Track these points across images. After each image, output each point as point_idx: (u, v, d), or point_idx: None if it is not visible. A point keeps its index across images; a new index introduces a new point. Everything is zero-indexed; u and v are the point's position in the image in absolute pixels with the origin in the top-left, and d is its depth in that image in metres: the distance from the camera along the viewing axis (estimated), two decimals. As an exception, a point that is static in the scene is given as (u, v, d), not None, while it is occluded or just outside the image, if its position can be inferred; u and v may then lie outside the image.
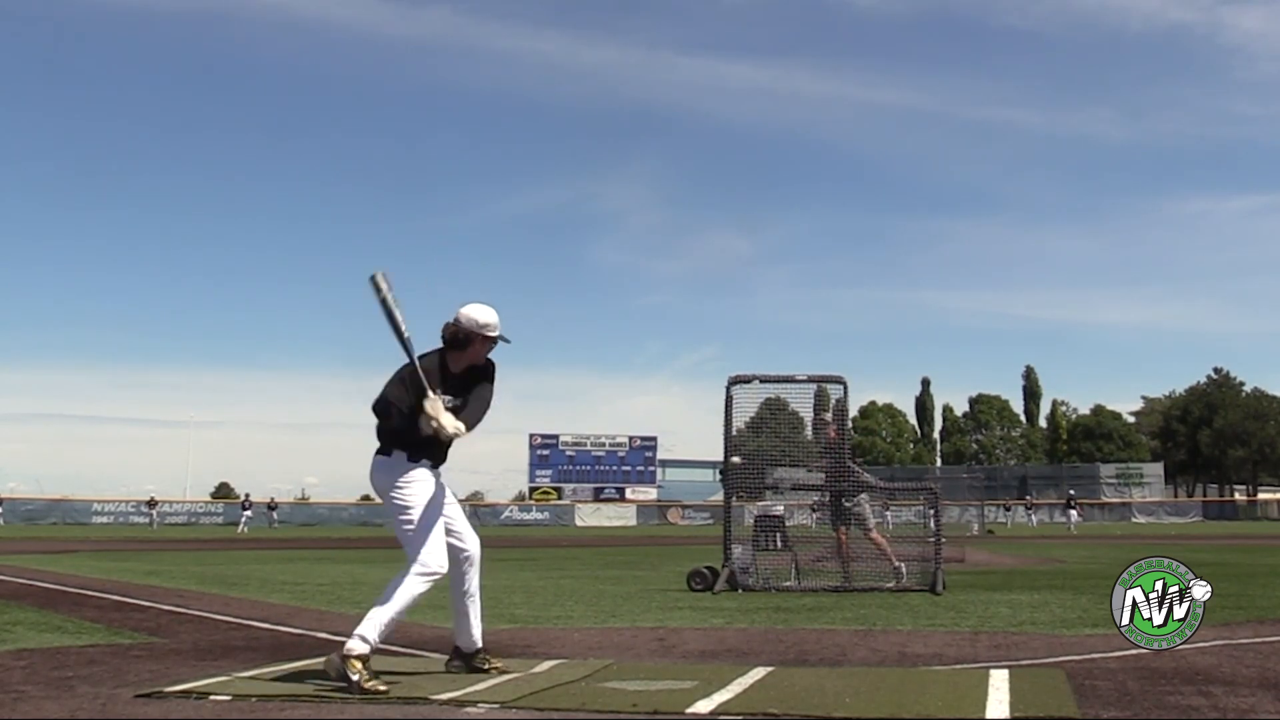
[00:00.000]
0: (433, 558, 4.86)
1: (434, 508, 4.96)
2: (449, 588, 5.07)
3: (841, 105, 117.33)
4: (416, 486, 4.94)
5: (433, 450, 4.99)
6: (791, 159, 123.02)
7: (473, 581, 5.08)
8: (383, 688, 4.53)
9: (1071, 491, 50.49)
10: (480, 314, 5.00)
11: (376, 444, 5.01)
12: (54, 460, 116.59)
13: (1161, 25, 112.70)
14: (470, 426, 4.96)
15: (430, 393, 4.81)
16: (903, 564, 10.34)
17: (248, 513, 47.09)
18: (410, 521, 4.90)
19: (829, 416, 10.92)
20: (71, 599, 9.65)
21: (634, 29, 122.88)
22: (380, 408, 4.91)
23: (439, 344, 5.06)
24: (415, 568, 4.82)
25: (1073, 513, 42.85)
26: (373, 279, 4.88)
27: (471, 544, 5.08)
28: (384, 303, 4.87)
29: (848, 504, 10.50)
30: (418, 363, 4.88)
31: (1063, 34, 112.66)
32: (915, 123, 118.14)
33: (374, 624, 4.67)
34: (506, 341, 5.07)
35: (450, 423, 4.82)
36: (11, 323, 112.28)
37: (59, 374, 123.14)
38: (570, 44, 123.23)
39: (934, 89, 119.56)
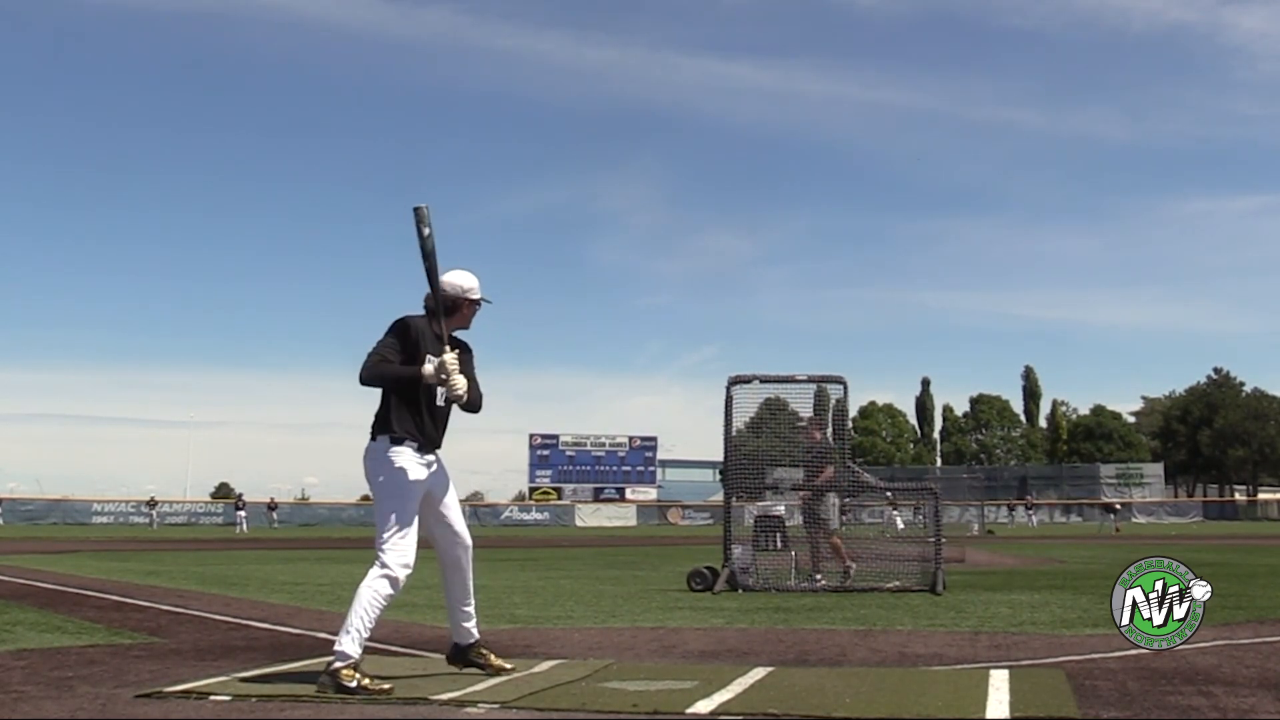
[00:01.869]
0: (396, 557, 4.62)
1: (412, 501, 4.71)
2: (442, 585, 4.97)
3: (843, 105, 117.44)
4: (398, 474, 4.68)
5: (422, 429, 4.76)
6: (791, 159, 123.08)
7: (466, 577, 4.93)
8: (386, 686, 4.50)
9: (1115, 501, 50.78)
10: (462, 279, 4.89)
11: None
12: (54, 460, 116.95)
13: (1162, 25, 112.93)
14: (476, 405, 4.92)
15: (444, 349, 4.67)
16: (853, 564, 10.41)
17: (242, 513, 47.00)
18: (384, 512, 4.66)
19: (805, 420, 10.97)
20: (71, 599, 9.64)
21: (635, 29, 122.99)
22: (372, 372, 4.68)
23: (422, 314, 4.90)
24: (376, 568, 4.63)
25: (1111, 516, 43.00)
26: (417, 211, 4.74)
27: (463, 541, 4.91)
28: (425, 238, 4.71)
29: (814, 504, 10.57)
30: (412, 321, 4.75)
31: (1063, 34, 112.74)
32: (915, 123, 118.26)
33: (351, 635, 4.53)
34: (488, 303, 4.97)
35: (461, 383, 4.67)
36: (11, 323, 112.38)
37: (59, 374, 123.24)
38: (571, 44, 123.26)
39: (934, 89, 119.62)
